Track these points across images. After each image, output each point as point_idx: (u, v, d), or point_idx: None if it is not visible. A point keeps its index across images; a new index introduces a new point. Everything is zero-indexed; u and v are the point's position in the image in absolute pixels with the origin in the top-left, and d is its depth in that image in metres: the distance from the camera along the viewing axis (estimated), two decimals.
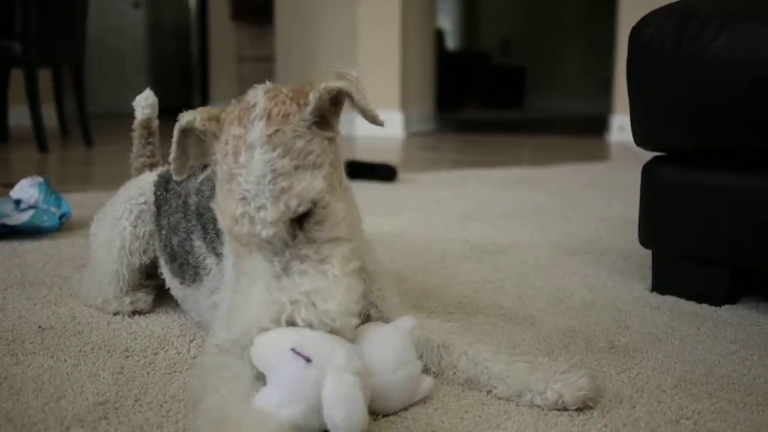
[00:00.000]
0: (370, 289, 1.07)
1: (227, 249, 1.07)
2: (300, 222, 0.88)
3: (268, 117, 0.88)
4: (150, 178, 1.37)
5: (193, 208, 1.20)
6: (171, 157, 1.04)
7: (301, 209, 0.87)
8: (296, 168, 0.87)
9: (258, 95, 0.91)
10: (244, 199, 0.87)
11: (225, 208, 0.89)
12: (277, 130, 0.87)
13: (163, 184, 1.31)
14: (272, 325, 0.86)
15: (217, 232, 1.12)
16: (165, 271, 1.29)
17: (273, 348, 0.84)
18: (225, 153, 0.90)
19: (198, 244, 1.18)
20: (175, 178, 1.07)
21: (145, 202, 1.32)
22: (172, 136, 1.03)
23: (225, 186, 0.90)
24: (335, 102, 0.93)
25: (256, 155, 0.87)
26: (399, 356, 0.92)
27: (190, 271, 1.20)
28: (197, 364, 1.00)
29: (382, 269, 1.12)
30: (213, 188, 1.04)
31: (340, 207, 0.92)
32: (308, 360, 0.81)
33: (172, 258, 1.25)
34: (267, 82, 0.96)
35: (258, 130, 0.88)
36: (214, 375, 0.90)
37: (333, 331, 0.86)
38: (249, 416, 0.81)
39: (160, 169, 1.40)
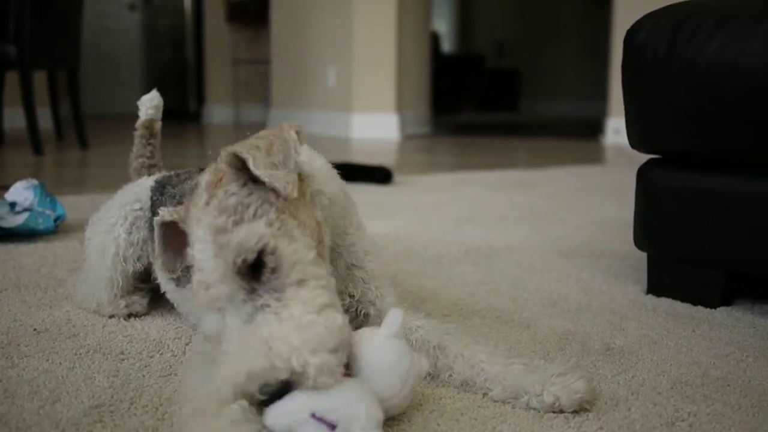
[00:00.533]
0: (369, 287, 1.07)
1: None
2: (257, 275, 0.86)
3: (206, 189, 0.90)
4: (147, 183, 1.36)
5: None
6: (156, 253, 1.04)
7: (240, 260, 0.85)
8: (235, 223, 0.86)
9: (204, 175, 0.93)
10: (200, 270, 0.87)
11: (194, 287, 0.89)
12: (212, 196, 0.88)
13: (159, 188, 1.31)
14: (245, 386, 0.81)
15: None
16: (160, 276, 1.29)
17: (291, 414, 0.81)
18: (192, 236, 0.91)
19: None
20: (168, 275, 1.06)
21: (141, 208, 1.32)
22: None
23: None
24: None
25: (200, 224, 0.88)
26: (402, 374, 0.90)
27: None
28: (186, 354, 1.00)
29: (381, 269, 1.12)
30: None
31: (293, 248, 0.87)
32: (332, 426, 0.80)
33: None
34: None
35: (201, 203, 0.89)
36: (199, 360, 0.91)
37: (296, 374, 0.80)
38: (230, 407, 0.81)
39: (157, 175, 1.40)
